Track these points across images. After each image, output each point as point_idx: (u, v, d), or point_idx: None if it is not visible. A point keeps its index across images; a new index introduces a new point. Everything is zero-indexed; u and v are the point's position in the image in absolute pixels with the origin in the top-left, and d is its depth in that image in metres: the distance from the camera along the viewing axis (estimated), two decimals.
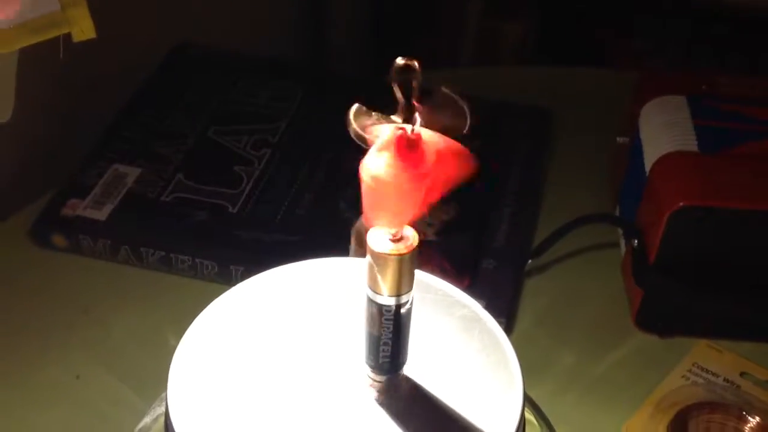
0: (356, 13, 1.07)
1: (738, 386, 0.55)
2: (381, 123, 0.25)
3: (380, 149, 0.25)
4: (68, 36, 0.44)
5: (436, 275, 0.34)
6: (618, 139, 0.67)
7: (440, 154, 0.25)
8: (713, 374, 0.56)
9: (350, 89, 0.74)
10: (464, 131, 0.25)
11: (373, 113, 0.25)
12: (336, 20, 1.03)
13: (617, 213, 0.66)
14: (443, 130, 0.25)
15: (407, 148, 0.25)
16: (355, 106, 0.25)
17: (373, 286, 0.28)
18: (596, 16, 1.12)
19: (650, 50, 1.08)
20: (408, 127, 0.25)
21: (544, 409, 0.37)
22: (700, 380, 0.56)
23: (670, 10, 1.08)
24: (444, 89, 0.24)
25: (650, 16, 1.10)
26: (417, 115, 0.25)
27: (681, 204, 0.54)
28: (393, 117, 0.25)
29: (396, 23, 1.10)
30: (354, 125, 0.25)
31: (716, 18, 1.05)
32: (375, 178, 0.25)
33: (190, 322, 0.32)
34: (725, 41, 1.04)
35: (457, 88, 0.25)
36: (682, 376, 0.56)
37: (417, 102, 0.24)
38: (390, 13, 1.10)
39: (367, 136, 0.25)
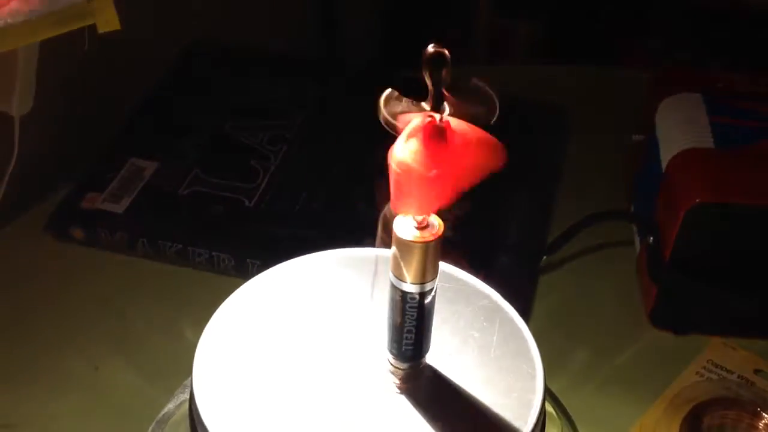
0: (368, 11, 1.07)
1: (752, 383, 0.55)
2: (411, 110, 0.25)
3: (408, 137, 0.25)
4: (92, 27, 0.44)
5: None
6: (633, 136, 0.67)
7: (469, 144, 0.25)
8: (728, 371, 0.56)
9: (365, 85, 0.75)
10: (492, 121, 0.25)
11: (404, 99, 0.25)
12: (347, 18, 1.04)
13: (632, 210, 0.66)
14: (471, 120, 0.26)
15: (435, 136, 0.25)
16: (387, 91, 0.25)
17: (398, 274, 0.28)
18: (607, 13, 1.12)
19: (661, 48, 1.08)
20: (436, 115, 0.25)
21: None
22: (715, 377, 0.56)
23: (681, 8, 1.08)
24: (474, 80, 0.24)
25: (661, 14, 1.10)
26: (445, 104, 0.25)
27: (697, 201, 0.54)
28: (423, 104, 0.25)
29: (407, 21, 1.10)
30: (384, 112, 0.25)
31: (727, 15, 1.05)
32: (402, 165, 0.25)
33: (207, 316, 0.32)
34: (736, 39, 1.04)
35: (485, 79, 0.25)
36: (697, 373, 0.56)
37: (446, 91, 0.24)
38: (401, 11, 1.10)
39: (396, 123, 0.25)
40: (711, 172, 0.56)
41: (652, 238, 0.59)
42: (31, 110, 0.58)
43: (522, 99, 0.77)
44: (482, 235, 0.63)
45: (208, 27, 0.82)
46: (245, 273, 0.60)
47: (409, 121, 0.25)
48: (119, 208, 0.63)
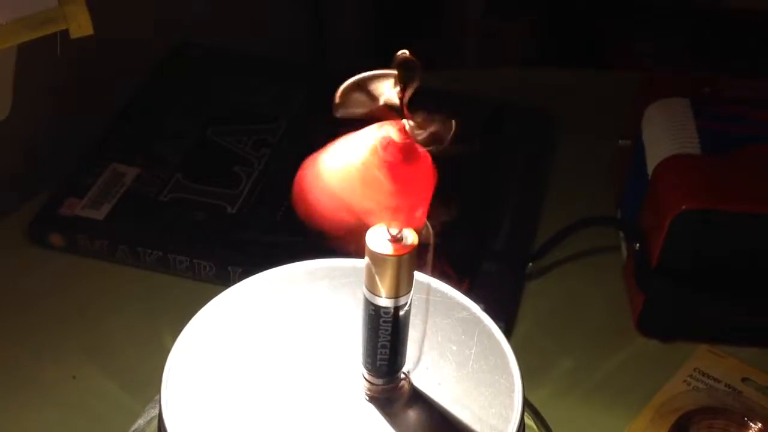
0: (357, 13, 1.06)
1: (740, 392, 0.55)
2: (373, 106, 0.24)
3: (376, 147, 0.25)
4: (66, 32, 0.43)
5: (435, 278, 0.34)
6: (620, 141, 0.66)
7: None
8: (715, 380, 0.56)
9: None
10: (447, 141, 0.25)
11: (365, 94, 0.24)
12: (337, 21, 1.03)
13: (618, 216, 0.65)
14: (429, 138, 0.25)
15: (403, 152, 0.25)
16: (344, 85, 0.24)
17: (371, 288, 0.28)
18: (597, 17, 1.11)
19: (651, 52, 1.07)
20: (406, 123, 0.25)
21: (543, 413, 0.36)
22: (702, 385, 0.55)
23: (671, 12, 1.08)
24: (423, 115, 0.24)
25: (651, 18, 1.09)
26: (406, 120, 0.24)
27: (683, 207, 0.53)
28: (384, 100, 0.25)
29: (397, 24, 1.09)
30: (341, 111, 0.24)
31: (717, 20, 1.05)
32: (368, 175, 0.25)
33: (188, 324, 0.32)
34: (726, 43, 1.04)
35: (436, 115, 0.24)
36: (684, 381, 0.56)
37: (406, 108, 0.24)
38: (391, 13, 1.10)
39: (354, 111, 0.25)
40: (697, 179, 0.55)
41: (638, 244, 0.58)
42: (11, 116, 0.58)
43: (509, 103, 0.76)
44: (468, 241, 0.63)
45: (192, 31, 0.81)
46: (227, 280, 0.59)
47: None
48: (99, 214, 0.62)
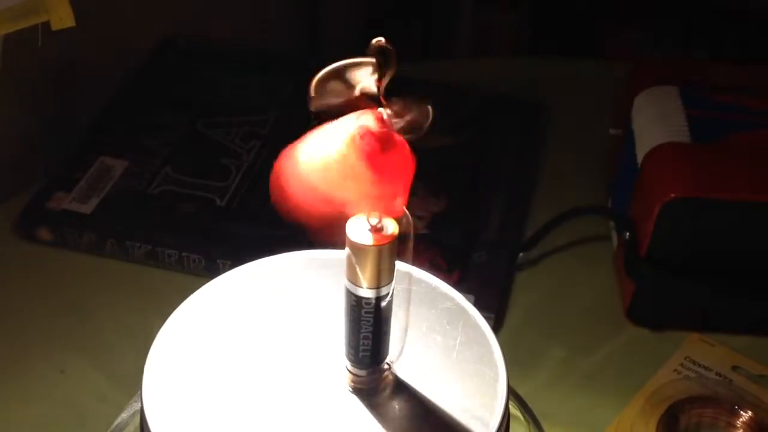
0: (349, 4, 1.06)
1: (730, 380, 0.55)
2: (348, 96, 0.24)
3: (354, 137, 0.24)
4: (47, 24, 0.43)
5: (426, 269, 0.33)
6: (610, 130, 0.66)
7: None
8: (705, 368, 0.56)
9: None
10: (424, 130, 0.24)
11: (340, 83, 0.24)
12: (329, 11, 1.03)
13: (609, 205, 0.65)
14: (407, 126, 0.25)
15: (382, 142, 0.25)
16: (320, 74, 0.24)
17: (353, 279, 0.27)
18: (590, 6, 1.11)
19: (644, 41, 1.07)
20: (384, 112, 0.25)
21: (533, 403, 0.36)
22: (692, 374, 0.55)
23: (664, 1, 1.08)
24: (403, 99, 0.24)
25: (644, 7, 1.09)
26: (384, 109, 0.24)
27: (673, 196, 0.53)
28: (358, 89, 0.24)
29: (389, 14, 1.09)
30: (315, 103, 0.24)
31: (710, 9, 1.05)
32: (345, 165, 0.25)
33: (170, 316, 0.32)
34: (719, 32, 1.04)
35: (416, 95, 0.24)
36: (674, 370, 0.56)
37: (382, 97, 0.24)
38: (383, 3, 1.09)
39: (330, 102, 0.24)
40: (686, 167, 0.55)
41: (628, 233, 0.58)
42: None
43: (500, 94, 0.76)
44: (459, 231, 0.62)
45: (183, 22, 0.80)
46: (216, 273, 0.58)
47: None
48: (87, 208, 0.62)
